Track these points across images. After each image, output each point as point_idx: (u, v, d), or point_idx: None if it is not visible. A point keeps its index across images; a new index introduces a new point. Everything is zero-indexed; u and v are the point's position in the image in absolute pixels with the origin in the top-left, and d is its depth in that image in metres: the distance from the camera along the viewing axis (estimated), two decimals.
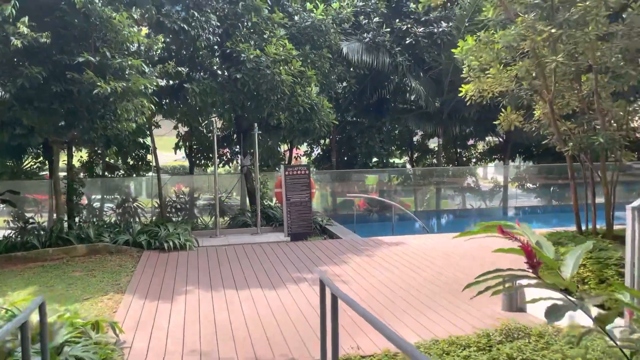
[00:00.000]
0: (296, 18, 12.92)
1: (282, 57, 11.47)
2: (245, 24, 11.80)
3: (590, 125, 6.12)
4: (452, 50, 6.62)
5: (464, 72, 6.49)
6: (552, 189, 19.57)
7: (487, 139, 21.23)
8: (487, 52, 5.89)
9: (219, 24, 11.29)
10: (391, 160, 18.84)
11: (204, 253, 9.61)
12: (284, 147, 17.88)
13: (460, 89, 6.74)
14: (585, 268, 5.31)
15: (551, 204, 19.75)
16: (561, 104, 6.24)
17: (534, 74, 6.00)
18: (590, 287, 5.23)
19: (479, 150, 21.73)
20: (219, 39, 11.59)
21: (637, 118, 6.12)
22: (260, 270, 8.28)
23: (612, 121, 6.17)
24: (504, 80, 6.42)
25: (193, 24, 10.75)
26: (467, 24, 16.09)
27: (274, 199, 13.66)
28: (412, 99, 17.59)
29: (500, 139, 19.72)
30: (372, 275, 7.74)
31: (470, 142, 20.78)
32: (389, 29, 15.08)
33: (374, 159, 17.34)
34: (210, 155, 15.26)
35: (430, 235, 11.01)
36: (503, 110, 6.89)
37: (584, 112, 6.40)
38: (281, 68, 11.23)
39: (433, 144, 21.83)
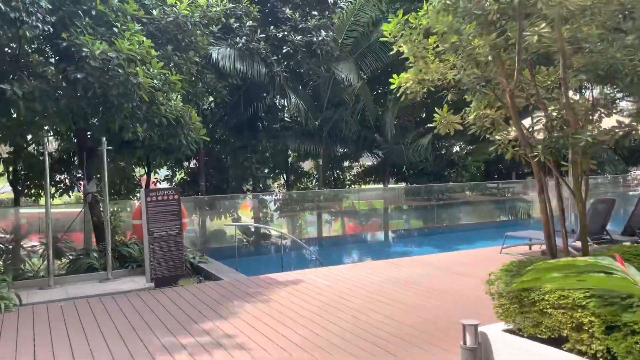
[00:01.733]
0: (155, 13, 10.61)
1: (139, 57, 9.13)
2: (89, 12, 9.25)
3: (553, 124, 4.90)
4: (382, 27, 5.05)
5: (404, 54, 4.93)
6: (427, 209, 19.30)
7: (360, 160, 20.53)
8: (440, 22, 4.39)
9: (50, 7, 8.62)
10: (268, 183, 17.01)
11: (28, 315, 6.77)
12: (140, 172, 15.08)
13: (391, 80, 5.18)
14: (585, 310, 3.95)
15: (427, 225, 19.46)
16: (520, 98, 4.97)
17: (490, 57, 4.65)
18: (593, 335, 3.86)
19: (353, 172, 20.92)
20: (51, 29, 8.86)
21: (596, 116, 5.06)
22: (113, 336, 5.80)
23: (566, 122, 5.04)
24: (441, 69, 5.02)
25: (13, 3, 8.00)
26: (344, 38, 15.20)
27: (128, 236, 10.97)
28: (289, 116, 16.08)
29: (378, 159, 19.04)
30: (277, 331, 5.72)
31: (346, 163, 19.86)
32: (263, 35, 13.40)
33: (250, 183, 15.33)
34: (43, 182, 12.01)
35: (328, 268, 9.29)
36: (437, 110, 5.45)
37: (536, 108, 5.23)
38: (137, 69, 8.88)
39: (306, 166, 20.57)
